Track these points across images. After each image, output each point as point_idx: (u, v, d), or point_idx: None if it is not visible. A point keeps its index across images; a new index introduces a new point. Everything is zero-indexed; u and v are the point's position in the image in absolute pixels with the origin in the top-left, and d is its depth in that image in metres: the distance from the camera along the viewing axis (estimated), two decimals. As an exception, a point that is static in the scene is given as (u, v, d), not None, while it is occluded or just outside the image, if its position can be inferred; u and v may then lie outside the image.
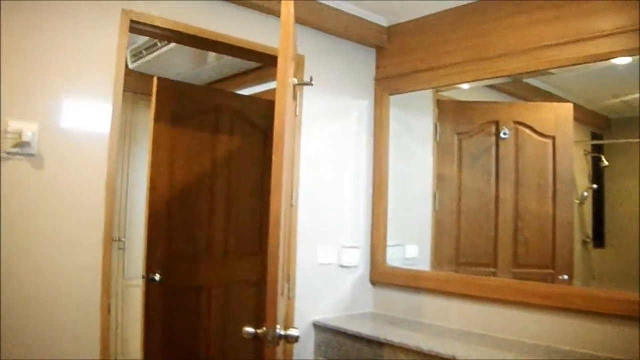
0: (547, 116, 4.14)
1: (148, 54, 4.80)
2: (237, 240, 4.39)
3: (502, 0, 3.55)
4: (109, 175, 2.94)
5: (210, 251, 4.27)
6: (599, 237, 4.46)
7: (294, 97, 3.13)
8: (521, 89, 4.25)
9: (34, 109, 2.72)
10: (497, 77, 3.65)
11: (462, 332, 3.57)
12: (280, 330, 2.19)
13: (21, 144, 2.64)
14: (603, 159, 4.47)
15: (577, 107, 4.15)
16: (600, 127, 4.62)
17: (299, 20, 3.61)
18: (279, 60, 2.27)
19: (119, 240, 5.49)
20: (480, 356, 3.04)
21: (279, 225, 2.18)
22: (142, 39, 4.64)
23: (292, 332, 2.24)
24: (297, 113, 3.72)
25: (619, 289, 3.07)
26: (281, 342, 2.25)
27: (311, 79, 3.26)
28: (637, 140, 4.02)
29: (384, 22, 4.23)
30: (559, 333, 3.17)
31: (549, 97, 4.24)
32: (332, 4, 3.86)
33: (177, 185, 4.12)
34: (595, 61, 3.15)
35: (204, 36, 3.40)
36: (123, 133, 5.31)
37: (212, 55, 4.90)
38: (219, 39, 3.46)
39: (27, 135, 2.64)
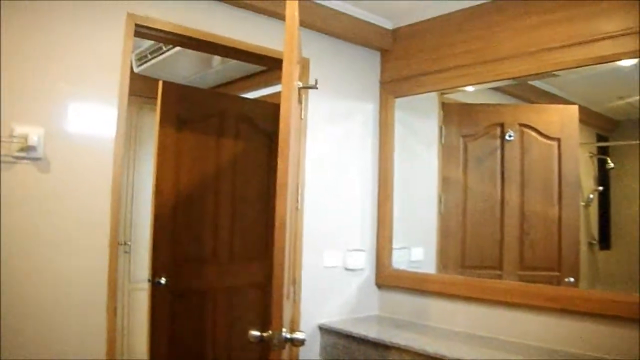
0: (552, 118, 4.14)
1: (153, 57, 4.81)
2: (242, 244, 4.39)
3: (507, 2, 3.55)
4: (114, 179, 2.94)
5: (216, 255, 4.27)
6: (605, 239, 4.45)
7: (299, 101, 3.13)
8: (526, 91, 4.25)
9: (39, 113, 2.73)
10: (502, 79, 3.64)
11: (467, 334, 3.57)
12: (286, 333, 2.19)
13: (27, 149, 2.64)
14: (609, 160, 4.46)
15: (582, 109, 4.14)
16: (605, 129, 4.61)
17: (304, 24, 3.62)
18: (284, 64, 2.27)
19: (125, 243, 5.49)
20: (486, 359, 3.04)
21: (285, 229, 2.18)
22: (147, 43, 4.65)
23: (298, 335, 2.24)
24: (302, 116, 3.73)
25: (625, 291, 3.06)
26: (287, 346, 2.24)
27: (316, 82, 3.26)
28: (643, 142, 4.03)
29: (388, 24, 4.23)
30: (565, 336, 3.16)
31: (554, 99, 4.24)
32: (336, 7, 3.87)
33: (183, 188, 4.12)
34: (600, 63, 3.15)
35: (209, 39, 3.40)
36: (128, 137, 5.31)
37: (217, 59, 4.91)
38: (224, 43, 3.47)
39: (33, 140, 2.65)
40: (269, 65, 3.99)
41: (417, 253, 4.30)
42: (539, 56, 3.37)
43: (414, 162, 4.36)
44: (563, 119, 4.10)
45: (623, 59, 3.06)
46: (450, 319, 3.75)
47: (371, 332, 3.63)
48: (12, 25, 2.65)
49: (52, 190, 2.75)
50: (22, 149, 2.64)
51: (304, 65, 3.81)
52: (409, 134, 4.31)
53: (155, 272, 3.97)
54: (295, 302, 3.71)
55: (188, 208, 4.15)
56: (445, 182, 4.28)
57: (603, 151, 4.54)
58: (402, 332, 3.62)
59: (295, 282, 3.71)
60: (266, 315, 4.20)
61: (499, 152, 4.19)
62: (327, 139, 4.02)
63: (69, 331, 2.78)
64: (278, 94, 2.38)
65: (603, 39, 3.08)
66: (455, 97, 4.27)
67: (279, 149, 2.20)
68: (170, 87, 4.14)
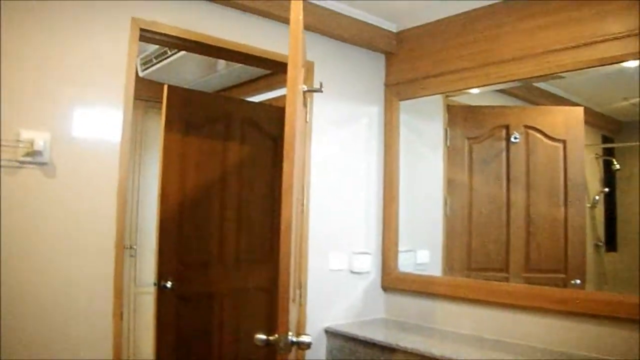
0: (557, 120, 4.13)
1: (158, 62, 4.82)
2: (248, 247, 4.39)
3: (512, 4, 3.54)
4: (120, 183, 2.95)
5: (222, 258, 4.27)
6: (611, 240, 4.43)
7: (304, 104, 3.13)
8: (531, 93, 4.24)
9: (45, 118, 2.74)
10: (507, 81, 3.64)
11: (474, 337, 3.56)
12: (292, 337, 2.18)
13: (33, 153, 2.65)
14: (614, 162, 4.44)
15: (587, 110, 4.13)
16: (611, 130, 4.59)
17: (308, 27, 3.62)
18: (289, 67, 2.27)
19: (131, 247, 5.50)
20: (493, 361, 3.04)
21: (290, 232, 2.18)
22: (152, 47, 4.65)
23: (304, 338, 2.24)
24: (307, 120, 3.73)
25: (633, 292, 3.05)
26: (293, 349, 2.24)
27: (321, 86, 3.27)
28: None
29: (393, 27, 4.23)
30: (572, 338, 3.15)
31: (559, 100, 4.23)
32: (341, 10, 3.87)
33: (188, 192, 4.13)
34: (604, 65, 3.14)
35: (214, 44, 3.41)
36: (134, 141, 5.32)
37: (221, 63, 4.91)
38: (229, 47, 3.48)
39: (39, 145, 2.66)
40: (273, 69, 4.00)
41: (422, 256, 4.30)
42: (543, 58, 3.36)
43: (419, 164, 4.36)
44: (568, 120, 4.10)
45: (628, 60, 3.06)
46: (456, 322, 3.74)
47: (377, 335, 3.63)
48: (17, 30, 2.66)
49: (58, 195, 2.76)
50: (28, 154, 2.64)
51: (309, 68, 3.82)
52: (414, 136, 4.31)
53: (161, 275, 3.97)
54: (301, 305, 3.71)
55: (193, 211, 4.15)
56: (450, 184, 4.28)
57: (609, 152, 4.52)
58: (409, 335, 3.61)
59: (301, 285, 3.71)
60: (272, 318, 4.20)
61: (504, 154, 4.18)
62: (332, 142, 4.02)
63: (76, 336, 2.78)
64: (283, 97, 2.39)
65: (607, 40, 3.08)
66: (460, 99, 4.27)
67: (284, 152, 2.20)
68: (176, 91, 4.15)
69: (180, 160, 4.09)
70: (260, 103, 5.03)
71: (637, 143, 4.21)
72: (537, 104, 4.33)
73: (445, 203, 4.24)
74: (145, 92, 4.92)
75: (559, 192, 4.03)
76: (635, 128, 4.12)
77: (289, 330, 2.18)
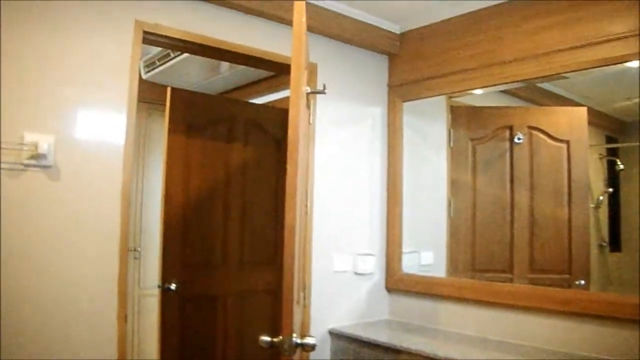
0: (561, 120, 4.13)
1: (161, 64, 4.83)
2: (252, 249, 4.39)
3: (515, 5, 3.54)
4: (124, 186, 2.95)
5: (226, 260, 4.27)
6: (615, 241, 4.43)
7: (307, 106, 3.13)
8: (535, 94, 4.24)
9: (49, 121, 2.74)
10: (511, 82, 3.64)
11: (478, 338, 3.56)
12: (296, 338, 2.19)
13: (37, 156, 2.66)
14: (618, 162, 4.43)
15: (591, 110, 4.13)
16: (614, 130, 4.59)
17: (311, 28, 3.62)
18: (292, 69, 2.28)
19: (135, 250, 5.51)
20: (498, 363, 3.04)
21: (294, 234, 2.18)
22: (155, 50, 4.66)
23: (308, 340, 2.24)
24: (311, 121, 3.73)
25: (636, 293, 3.04)
26: (298, 351, 2.24)
27: (324, 87, 3.26)
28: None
29: (396, 29, 4.23)
30: (576, 339, 3.15)
31: (562, 101, 4.22)
32: (344, 12, 3.87)
33: (192, 194, 4.13)
34: (607, 65, 3.14)
35: (217, 46, 3.42)
36: (137, 143, 5.33)
37: (225, 65, 4.92)
38: (232, 49, 3.48)
39: (43, 147, 2.66)
40: (277, 71, 4.00)
41: (426, 257, 4.30)
42: (546, 58, 3.36)
43: (423, 165, 4.36)
44: (572, 120, 4.09)
45: (631, 60, 3.05)
46: (460, 323, 3.74)
47: (382, 336, 3.63)
48: (20, 33, 2.67)
49: (62, 198, 2.76)
50: (32, 157, 2.65)
51: (312, 70, 3.82)
52: (418, 137, 4.31)
53: (165, 277, 3.97)
54: (305, 307, 3.71)
55: (197, 213, 4.15)
56: (454, 185, 4.28)
57: (612, 152, 4.52)
58: (413, 336, 3.61)
59: (305, 287, 3.71)
60: (276, 320, 4.20)
61: (507, 154, 4.18)
62: (335, 144, 4.02)
63: (80, 338, 2.78)
64: (286, 99, 2.38)
65: (610, 40, 3.08)
66: (463, 100, 4.27)
67: (288, 154, 2.20)
68: (179, 94, 4.15)
69: (184, 162, 4.09)
70: (264, 105, 5.03)
71: (640, 143, 4.22)
72: (541, 105, 4.33)
73: (449, 204, 4.23)
74: (149, 94, 4.93)
75: (562, 193, 4.03)
76: (638, 128, 4.12)
77: (294, 332, 2.17)
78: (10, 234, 2.59)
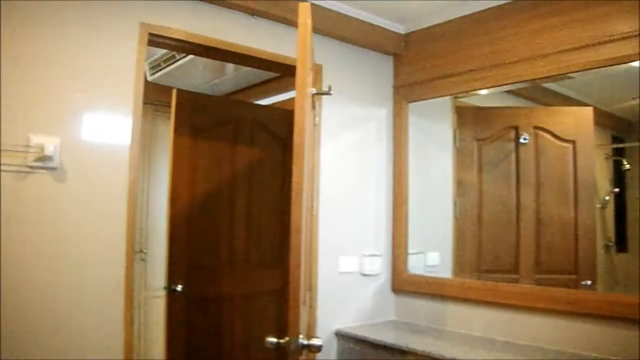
0: (567, 120, 4.12)
1: (166, 66, 4.83)
2: (258, 250, 4.39)
3: (520, 5, 3.54)
4: (130, 187, 2.96)
5: (232, 261, 4.28)
6: (621, 241, 4.42)
7: (313, 107, 3.13)
8: (540, 94, 4.23)
9: (55, 123, 2.75)
10: (516, 82, 3.63)
11: (485, 339, 3.55)
12: (303, 339, 2.19)
13: (43, 158, 2.66)
14: (624, 162, 4.42)
15: (597, 110, 4.12)
16: (621, 130, 4.58)
17: (316, 30, 3.61)
18: (297, 70, 2.28)
19: (141, 251, 5.51)
20: (504, 363, 3.03)
21: (300, 235, 2.18)
22: (160, 51, 4.67)
23: (314, 341, 2.24)
24: (316, 122, 3.73)
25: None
26: (304, 352, 2.24)
27: (330, 89, 3.27)
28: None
29: (401, 29, 4.23)
30: (582, 339, 3.14)
31: (568, 101, 4.21)
32: (349, 13, 3.87)
33: (198, 196, 4.13)
34: (614, 65, 3.13)
35: (222, 47, 3.42)
36: (143, 144, 5.33)
37: (230, 66, 4.92)
38: (237, 50, 3.48)
39: (49, 150, 2.67)
40: (282, 72, 4.00)
41: (432, 258, 4.29)
42: (552, 58, 3.36)
43: (429, 166, 4.35)
44: (578, 120, 4.09)
45: (636, 60, 3.04)
46: (467, 324, 3.73)
47: (388, 337, 3.63)
48: (25, 37, 2.67)
49: (69, 200, 2.77)
50: (38, 159, 2.65)
51: (317, 71, 3.82)
52: (423, 138, 4.31)
53: (172, 279, 3.98)
54: (312, 308, 3.71)
55: (203, 215, 4.16)
56: (460, 185, 4.27)
57: (619, 152, 4.51)
58: (419, 337, 3.61)
59: (311, 288, 3.71)
60: (282, 321, 4.20)
61: (513, 155, 4.17)
62: (341, 145, 4.02)
63: (87, 340, 2.79)
64: (291, 101, 2.39)
65: (616, 40, 3.07)
66: (469, 100, 4.26)
67: (294, 155, 2.20)
68: (184, 95, 4.16)
69: (190, 163, 4.09)
70: (269, 106, 5.03)
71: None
72: (546, 105, 4.32)
73: (455, 205, 4.23)
74: (154, 96, 4.93)
75: (568, 193, 4.02)
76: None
77: (300, 333, 2.18)
78: (16, 236, 2.60)
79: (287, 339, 2.15)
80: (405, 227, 4.18)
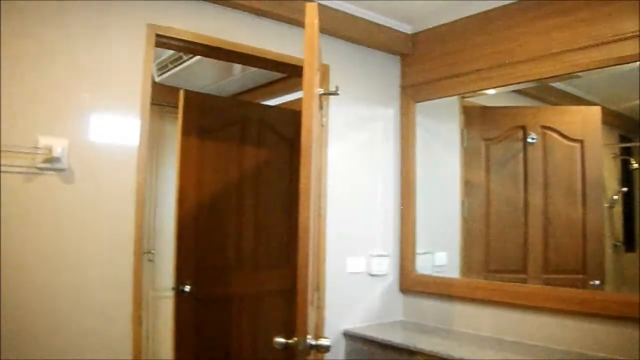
0: (574, 120, 4.11)
1: (174, 67, 4.84)
2: (266, 251, 4.40)
3: (528, 4, 3.53)
4: (138, 188, 2.97)
5: (240, 262, 4.28)
6: (630, 241, 4.40)
7: (320, 107, 3.13)
8: (548, 93, 4.22)
9: (63, 124, 2.76)
10: (524, 82, 3.62)
11: (493, 339, 3.55)
12: (311, 340, 2.19)
13: (51, 160, 2.67)
14: (632, 161, 4.41)
15: (604, 109, 4.10)
16: (628, 129, 4.56)
17: (323, 30, 3.62)
18: (304, 71, 2.27)
19: (149, 252, 5.52)
20: (513, 363, 3.02)
21: (308, 235, 2.18)
22: (168, 52, 4.67)
23: (323, 342, 2.24)
24: (324, 123, 3.73)
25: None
26: (312, 352, 2.24)
27: (337, 89, 3.27)
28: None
29: (408, 29, 4.23)
30: (591, 339, 3.13)
31: (576, 100, 4.20)
32: (356, 13, 3.87)
33: (206, 196, 4.14)
34: (621, 64, 3.12)
35: (229, 48, 3.42)
36: (150, 145, 5.33)
37: (237, 67, 4.92)
38: (244, 51, 3.48)
39: (57, 151, 2.68)
40: (289, 73, 4.00)
41: (440, 258, 4.29)
42: (559, 58, 3.35)
43: (436, 166, 4.35)
44: (585, 120, 4.08)
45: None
46: (475, 324, 3.73)
47: (396, 337, 3.63)
48: (33, 38, 2.68)
49: (77, 201, 2.78)
50: (46, 160, 2.66)
51: (324, 71, 3.82)
52: (431, 138, 4.30)
53: (180, 279, 3.99)
54: (320, 308, 3.71)
55: (211, 215, 4.17)
56: (467, 185, 4.26)
57: (627, 152, 4.49)
58: (427, 338, 3.61)
59: (319, 288, 3.71)
60: (290, 321, 4.20)
61: (521, 154, 4.16)
62: (348, 145, 4.02)
63: (95, 340, 2.79)
64: (299, 101, 2.39)
65: (623, 39, 3.06)
66: (476, 100, 4.25)
67: (301, 156, 2.20)
68: (192, 96, 4.17)
69: (197, 164, 4.10)
70: (276, 106, 5.04)
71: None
72: (554, 104, 4.31)
73: (463, 204, 4.22)
74: (162, 97, 4.94)
75: (576, 193, 4.01)
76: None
77: (308, 333, 2.18)
78: (25, 237, 2.61)
79: (295, 339, 2.15)
80: (412, 227, 4.18)
